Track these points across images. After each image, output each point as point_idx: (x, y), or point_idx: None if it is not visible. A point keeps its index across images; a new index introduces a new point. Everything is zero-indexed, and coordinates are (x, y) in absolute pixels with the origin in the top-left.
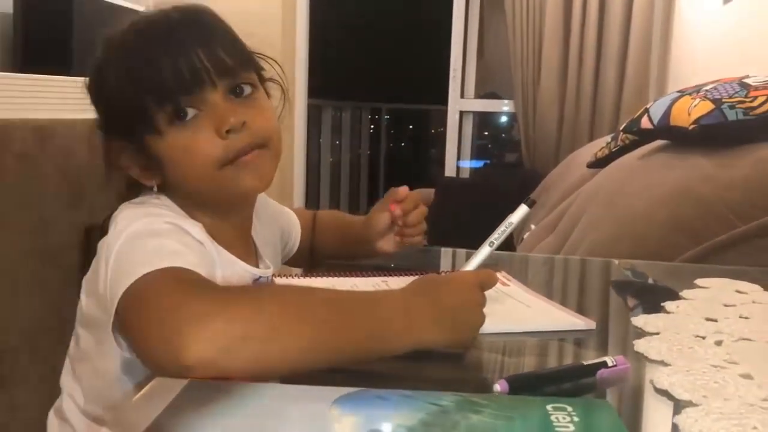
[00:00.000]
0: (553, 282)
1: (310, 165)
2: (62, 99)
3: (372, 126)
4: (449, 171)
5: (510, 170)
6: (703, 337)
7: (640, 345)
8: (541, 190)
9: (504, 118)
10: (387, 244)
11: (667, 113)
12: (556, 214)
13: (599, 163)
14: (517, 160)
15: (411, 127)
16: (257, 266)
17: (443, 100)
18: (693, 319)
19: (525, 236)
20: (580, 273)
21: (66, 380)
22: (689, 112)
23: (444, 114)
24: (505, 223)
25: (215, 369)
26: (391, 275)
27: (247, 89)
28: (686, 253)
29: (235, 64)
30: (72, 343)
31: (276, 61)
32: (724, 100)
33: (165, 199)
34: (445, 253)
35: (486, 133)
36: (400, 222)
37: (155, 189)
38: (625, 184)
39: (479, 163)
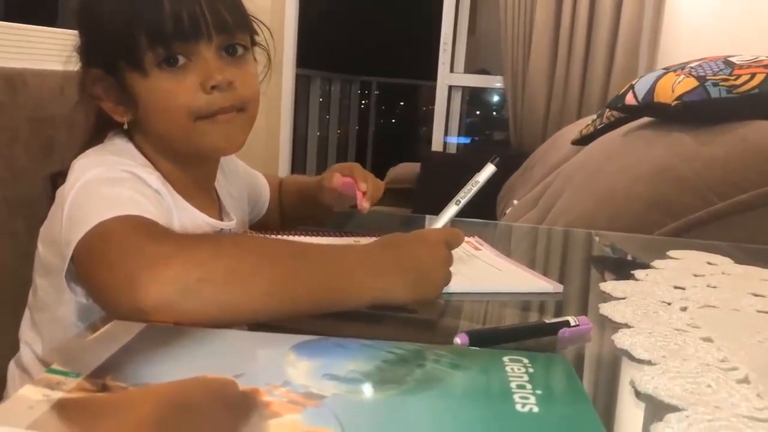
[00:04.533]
0: (526, 249)
1: (297, 138)
2: (40, 50)
3: (362, 101)
4: (436, 146)
5: (497, 147)
6: (669, 303)
7: (606, 308)
8: (526, 167)
9: (495, 98)
10: (340, 206)
11: (651, 89)
12: (538, 190)
13: (584, 140)
14: (506, 138)
15: (401, 102)
16: (220, 218)
17: (434, 76)
18: (661, 287)
19: (507, 211)
20: (555, 243)
21: (25, 331)
22: (673, 89)
23: (434, 90)
24: (472, 181)
25: (173, 311)
26: (363, 236)
27: (240, 50)
28: (662, 228)
29: (233, 22)
30: (30, 294)
31: (267, 27)
32: (708, 78)
33: (128, 145)
34: (430, 221)
35: (477, 112)
36: (362, 201)
37: (125, 126)
38: (606, 161)
39: (467, 140)
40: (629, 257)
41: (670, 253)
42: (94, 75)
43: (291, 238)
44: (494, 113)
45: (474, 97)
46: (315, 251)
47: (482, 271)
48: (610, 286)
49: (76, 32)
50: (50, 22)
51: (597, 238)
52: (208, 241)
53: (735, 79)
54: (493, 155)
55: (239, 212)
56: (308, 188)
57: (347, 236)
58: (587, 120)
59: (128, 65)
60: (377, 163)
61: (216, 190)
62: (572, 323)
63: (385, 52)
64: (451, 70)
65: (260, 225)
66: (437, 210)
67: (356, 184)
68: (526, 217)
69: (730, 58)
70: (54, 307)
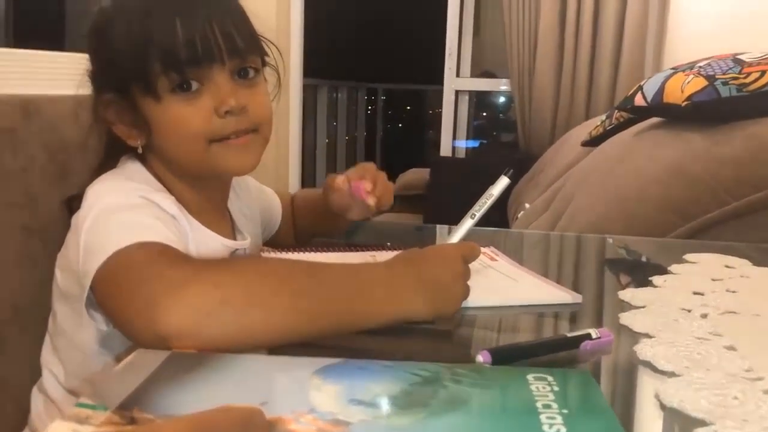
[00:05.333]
0: (543, 258)
1: (306, 147)
2: (51, 75)
3: (369, 107)
4: (445, 151)
5: (505, 150)
6: (689, 311)
7: (626, 318)
8: (536, 170)
9: (501, 99)
10: (353, 213)
11: (660, 90)
12: (550, 193)
13: (594, 141)
14: (514, 140)
15: (408, 107)
16: (234, 238)
17: (440, 79)
18: (680, 293)
19: (519, 215)
20: (571, 249)
21: (46, 357)
22: (682, 89)
23: (440, 94)
24: (486, 194)
25: (194, 337)
26: (379, 250)
27: (251, 73)
28: (677, 230)
29: (245, 46)
30: (50, 320)
31: (276, 46)
32: (717, 77)
33: (141, 169)
34: (441, 231)
35: (484, 114)
36: (368, 200)
37: (140, 150)
38: (617, 162)
39: (475, 143)
40: (645, 261)
41: (687, 256)
42: (106, 100)
43: (306, 255)
44: (501, 115)
45: (481, 99)
46: (333, 271)
47: (499, 282)
48: (629, 294)
49: (86, 56)
50: (58, 46)
51: (611, 240)
52: (226, 265)
53: (745, 77)
54: (507, 167)
55: (252, 230)
56: (318, 198)
57: (362, 250)
58: (596, 121)
59: (141, 90)
60: (386, 168)
61: (229, 209)
62: (594, 336)
63: (390, 59)
64: (458, 75)
65: (274, 242)
66: (448, 216)
67: (362, 183)
68: (538, 221)
69: (738, 56)
70: (73, 334)
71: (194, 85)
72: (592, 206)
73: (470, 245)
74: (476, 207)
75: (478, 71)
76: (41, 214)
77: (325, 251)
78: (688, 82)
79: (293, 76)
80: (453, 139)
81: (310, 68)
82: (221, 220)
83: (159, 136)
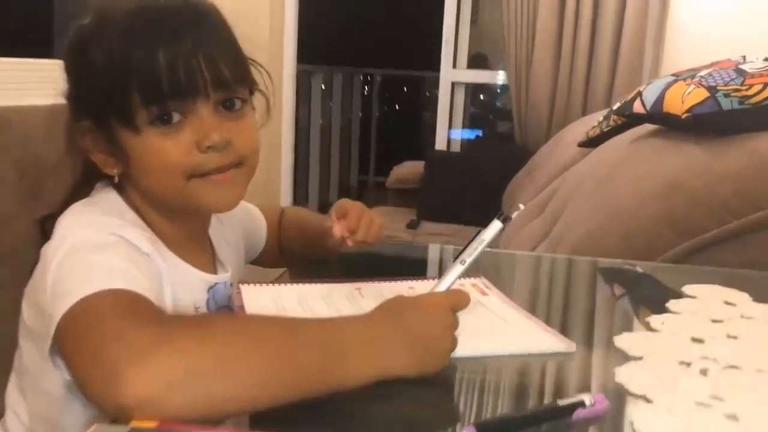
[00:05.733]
0: (534, 287)
1: (300, 130)
2: (21, 83)
3: (365, 88)
4: (440, 143)
5: (501, 145)
6: (688, 364)
7: (622, 374)
8: (531, 165)
9: (498, 89)
10: (343, 247)
11: (660, 99)
12: (545, 195)
13: (591, 143)
14: (509, 130)
15: (405, 89)
16: (214, 269)
17: (435, 66)
18: (678, 340)
19: (513, 216)
20: (564, 277)
21: (11, 395)
22: (683, 100)
23: (436, 80)
24: (477, 240)
25: (158, 409)
26: (364, 281)
27: (238, 104)
28: (675, 248)
29: (232, 77)
30: (16, 356)
31: (267, 71)
32: (719, 88)
33: (117, 198)
34: (433, 249)
35: (481, 97)
36: (347, 239)
37: (116, 179)
38: (614, 170)
39: (471, 134)
40: (641, 294)
41: (686, 288)
42: (83, 127)
43: (289, 287)
44: (496, 103)
45: (477, 88)
46: (309, 328)
47: (489, 324)
48: (625, 341)
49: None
50: (45, 54)
51: (608, 272)
52: (195, 325)
53: (747, 89)
54: (499, 211)
55: (234, 259)
56: (312, 230)
57: (347, 282)
58: (593, 119)
59: (120, 121)
60: (380, 152)
61: (210, 236)
62: (587, 403)
63: (387, 44)
64: (454, 65)
65: (258, 260)
66: (441, 211)
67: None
68: (532, 224)
69: (741, 66)
70: (39, 376)
71: (175, 117)
72: (587, 216)
73: (460, 293)
74: (466, 253)
75: (473, 55)
76: (10, 237)
77: (307, 283)
78: (689, 93)
79: (287, 62)
80: (449, 128)
81: (304, 54)
82: (201, 252)
83: (136, 168)
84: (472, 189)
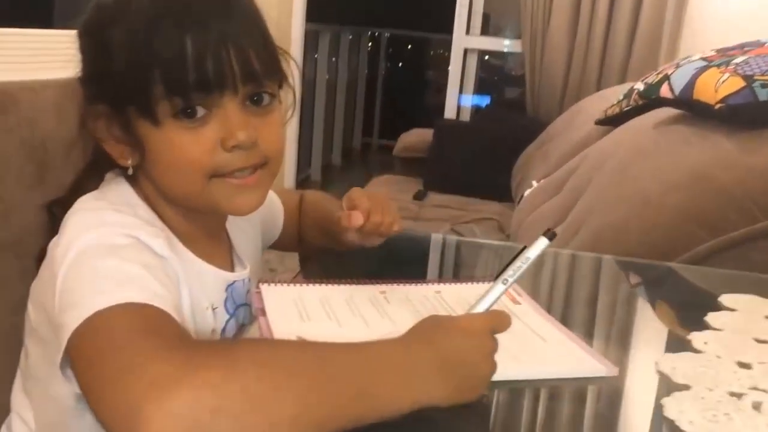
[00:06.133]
0: (566, 292)
1: (306, 84)
2: (29, 57)
3: (370, 44)
4: (450, 111)
5: (511, 115)
6: (739, 396)
7: (670, 408)
8: (543, 138)
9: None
10: (357, 238)
11: (690, 84)
12: (561, 174)
13: (609, 121)
14: (519, 95)
15: (409, 47)
16: (231, 266)
17: (442, 28)
18: (725, 365)
19: (526, 193)
20: (593, 278)
21: (16, 398)
22: (716, 89)
23: (442, 42)
24: (522, 258)
25: None
26: (388, 283)
27: (266, 99)
28: (700, 244)
29: (262, 71)
30: (22, 357)
31: (296, 62)
32: (756, 77)
33: (129, 191)
34: (435, 243)
35: (486, 58)
36: (354, 237)
37: (130, 171)
38: (637, 156)
39: (481, 101)
40: (679, 302)
41: (723, 299)
42: (97, 111)
43: (312, 287)
44: (504, 69)
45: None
46: (342, 356)
47: (525, 342)
48: (668, 365)
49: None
50: (45, 24)
51: (640, 277)
52: (220, 355)
53: None
54: (547, 228)
55: (252, 251)
56: (327, 219)
57: (371, 283)
58: (609, 95)
59: (140, 111)
60: (385, 114)
61: (227, 229)
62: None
63: (397, 3)
64: (467, 31)
65: (274, 246)
66: (449, 182)
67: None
68: (550, 203)
69: None
70: (48, 383)
71: (200, 111)
72: (609, 205)
73: (501, 316)
74: (509, 271)
75: (486, 24)
76: (16, 225)
77: (330, 284)
78: (724, 81)
79: (295, 21)
80: (459, 93)
81: (311, 12)
82: (218, 248)
83: (153, 162)
84: (481, 160)
